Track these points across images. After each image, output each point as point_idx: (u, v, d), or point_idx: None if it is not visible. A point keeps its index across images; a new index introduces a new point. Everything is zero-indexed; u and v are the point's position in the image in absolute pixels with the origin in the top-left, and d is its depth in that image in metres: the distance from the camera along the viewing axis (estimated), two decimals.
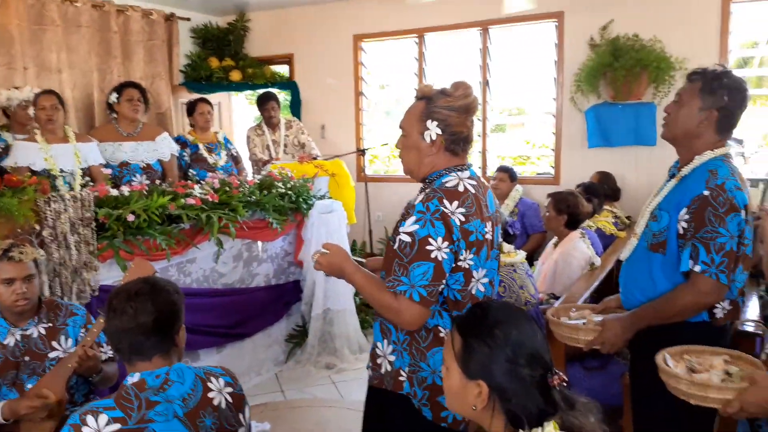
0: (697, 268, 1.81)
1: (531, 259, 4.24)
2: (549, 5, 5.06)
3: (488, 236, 1.73)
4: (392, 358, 1.76)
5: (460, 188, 1.67)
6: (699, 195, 1.84)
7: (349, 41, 6.09)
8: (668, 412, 1.80)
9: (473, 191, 1.69)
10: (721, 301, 1.88)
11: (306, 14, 6.23)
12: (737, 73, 1.97)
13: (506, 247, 2.88)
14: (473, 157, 6.51)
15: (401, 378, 1.74)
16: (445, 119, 1.67)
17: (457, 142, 1.70)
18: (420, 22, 5.69)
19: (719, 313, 1.90)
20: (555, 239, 3.69)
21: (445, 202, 1.63)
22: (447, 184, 1.68)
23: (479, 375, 1.21)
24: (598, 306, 2.27)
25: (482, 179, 1.80)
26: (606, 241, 4.11)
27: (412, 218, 1.63)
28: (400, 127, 1.78)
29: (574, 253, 3.40)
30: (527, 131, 9.29)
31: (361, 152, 5.92)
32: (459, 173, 1.71)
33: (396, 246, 1.64)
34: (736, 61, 5.39)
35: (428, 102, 1.70)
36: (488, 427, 1.24)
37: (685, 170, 1.96)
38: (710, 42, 4.62)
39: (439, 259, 1.59)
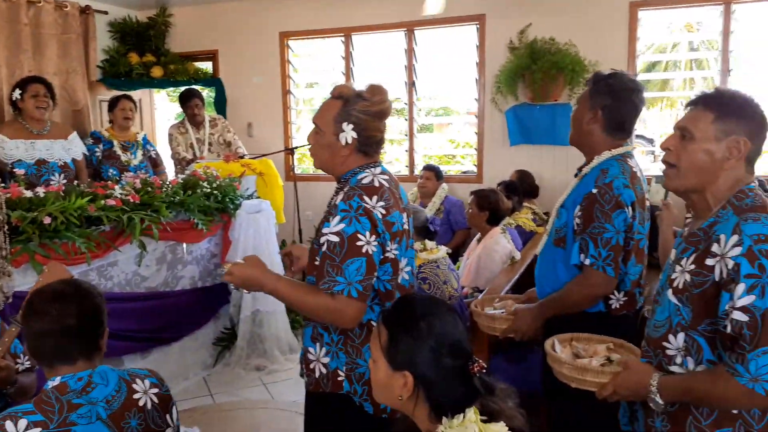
0: (587, 261, 1.96)
1: (457, 254, 4.38)
2: (471, 8, 5.23)
3: (406, 226, 1.79)
4: (327, 360, 1.77)
5: (376, 183, 1.72)
6: (589, 193, 1.98)
7: (276, 39, 6.04)
8: (575, 397, 1.91)
9: (387, 185, 1.75)
10: (611, 292, 2.04)
11: (230, 10, 6.13)
12: (644, 77, 2.10)
13: (429, 244, 2.97)
14: (401, 156, 6.62)
15: (339, 378, 1.76)
16: (361, 123, 1.70)
17: (370, 144, 1.75)
18: (347, 21, 5.73)
19: (614, 303, 2.06)
20: (478, 235, 3.83)
21: (366, 198, 1.67)
22: (363, 181, 1.72)
23: (404, 366, 1.26)
24: (522, 296, 2.40)
25: (392, 174, 1.85)
26: (526, 237, 4.29)
27: (337, 218, 1.66)
28: (314, 122, 1.80)
29: (496, 247, 3.55)
30: (453, 131, 9.54)
31: (289, 151, 5.90)
32: (372, 170, 1.76)
33: (325, 248, 1.66)
34: (644, 64, 5.77)
35: (345, 104, 1.72)
36: (413, 416, 1.29)
37: (586, 169, 2.09)
38: (620, 46, 4.91)
39: (370, 252, 1.64)
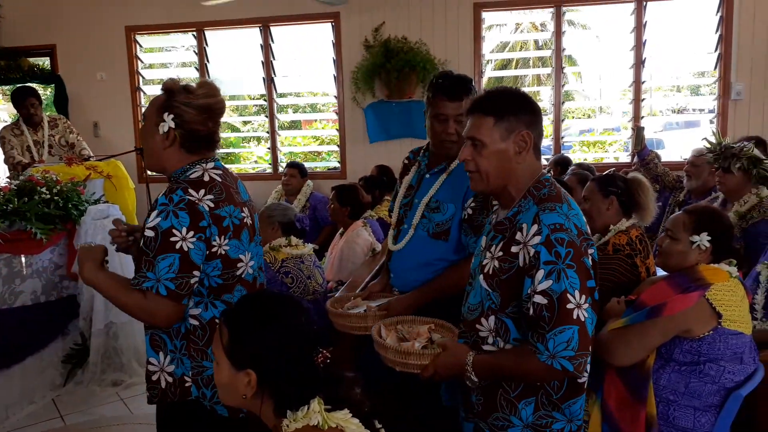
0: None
1: (325, 250, 4.41)
2: (325, 6, 5.26)
3: (247, 221, 1.76)
4: (171, 368, 1.71)
5: (206, 178, 1.68)
6: None
7: (122, 33, 5.68)
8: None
9: (220, 180, 1.71)
10: None
11: (69, 2, 5.68)
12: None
13: (294, 240, 2.97)
14: (263, 154, 6.53)
15: (187, 384, 1.71)
16: (182, 115, 1.65)
17: (194, 140, 1.69)
18: (198, 16, 5.53)
19: None
20: (341, 229, 3.88)
21: (191, 191, 1.62)
22: (191, 176, 1.68)
23: (247, 364, 1.26)
24: (363, 293, 2.41)
25: (229, 170, 1.82)
26: (387, 229, 4.42)
27: (155, 212, 1.60)
28: (143, 115, 1.76)
29: (358, 240, 3.62)
30: (318, 128, 9.56)
31: (139, 151, 5.57)
32: (203, 165, 1.71)
33: (142, 243, 1.60)
34: (499, 62, 6.20)
35: (169, 96, 1.67)
36: (259, 413, 1.29)
37: (453, 164, 2.17)
38: (467, 46, 5.20)
39: (185, 249, 1.57)
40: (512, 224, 1.56)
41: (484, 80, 5.29)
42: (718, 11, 4.94)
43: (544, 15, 5.63)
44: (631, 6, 5.05)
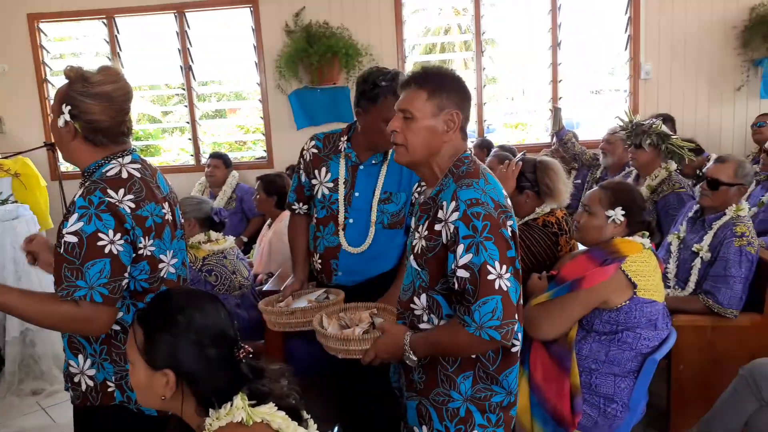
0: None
1: (253, 242, 4.31)
2: None
3: (168, 217, 1.68)
4: (92, 372, 1.64)
5: (124, 175, 1.59)
6: None
7: (23, 21, 5.32)
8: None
9: (139, 175, 1.62)
10: None
11: None
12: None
13: (213, 234, 2.87)
14: (185, 145, 6.30)
15: (110, 389, 1.63)
16: (79, 105, 1.55)
17: (97, 132, 1.58)
18: (108, 2, 5.24)
19: None
20: (269, 220, 3.81)
21: (110, 191, 1.53)
22: (108, 173, 1.58)
23: (165, 364, 1.21)
24: (285, 292, 2.27)
25: (147, 161, 1.73)
26: None
27: (75, 216, 1.50)
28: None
29: (286, 230, 3.56)
30: (242, 117, 9.32)
31: (50, 146, 5.24)
32: (120, 159, 1.62)
33: (62, 249, 1.49)
34: (425, 47, 6.20)
35: (69, 85, 1.57)
36: (181, 414, 1.25)
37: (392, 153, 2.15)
38: (389, 31, 5.18)
39: (115, 252, 1.50)
40: (435, 203, 1.59)
41: (409, 65, 5.30)
42: None
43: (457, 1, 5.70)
44: None
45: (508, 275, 1.48)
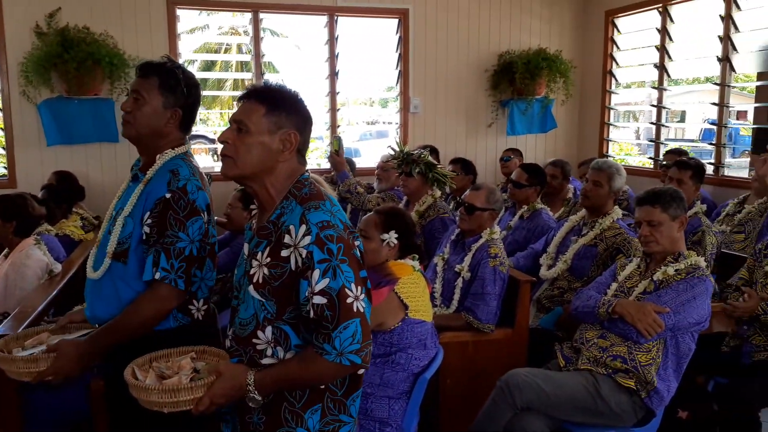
0: (158, 275, 1.75)
1: None
2: None
3: None
4: None
5: None
6: (161, 198, 1.77)
7: None
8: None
9: None
10: (178, 305, 1.82)
11: None
12: (201, 75, 1.96)
13: None
14: None
15: None
16: None
17: None
18: None
19: (197, 314, 1.88)
20: (6, 251, 3.22)
21: None
22: None
23: None
24: (61, 320, 1.99)
25: None
26: (73, 247, 3.84)
27: None
28: None
29: (28, 262, 3.03)
30: None
31: None
32: None
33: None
34: (202, 63, 5.91)
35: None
36: None
37: (150, 172, 1.86)
38: (161, 43, 4.84)
39: None
40: (277, 227, 1.48)
41: None
42: (397, 32, 5.52)
43: (244, 20, 5.58)
44: (324, 18, 5.32)
45: (363, 296, 1.44)
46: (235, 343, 1.56)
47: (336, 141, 4.56)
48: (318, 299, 1.40)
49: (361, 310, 1.44)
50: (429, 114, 5.64)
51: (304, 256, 1.42)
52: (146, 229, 1.78)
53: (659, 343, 2.34)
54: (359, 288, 1.44)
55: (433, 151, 4.93)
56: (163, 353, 1.68)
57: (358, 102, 14.65)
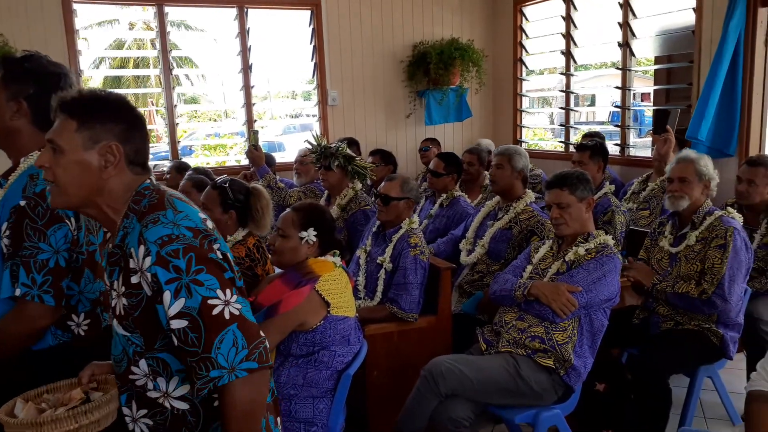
0: (18, 292, 1.61)
1: None
2: None
3: None
4: None
5: None
6: (15, 206, 1.64)
7: None
8: None
9: None
10: (55, 321, 1.69)
11: None
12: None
13: None
14: None
15: None
16: None
17: None
18: None
19: (77, 329, 1.76)
20: None
21: None
22: None
23: None
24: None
25: None
26: None
27: None
28: None
29: None
30: None
31: None
32: None
33: None
34: (116, 61, 5.60)
35: None
36: None
37: (12, 177, 1.71)
38: (58, 39, 4.55)
39: None
40: (123, 252, 1.32)
41: (97, 80, 4.72)
42: (310, 23, 5.43)
43: (148, 14, 5.35)
44: (234, 11, 5.16)
45: (234, 297, 1.28)
46: (118, 380, 1.43)
47: (253, 135, 4.45)
48: (177, 323, 1.24)
49: (236, 313, 1.27)
50: (348, 106, 5.61)
51: (149, 280, 1.27)
52: (5, 241, 1.64)
53: (574, 321, 2.44)
54: (228, 291, 1.28)
55: (353, 143, 4.91)
56: (54, 386, 1.52)
57: (281, 95, 14.40)
